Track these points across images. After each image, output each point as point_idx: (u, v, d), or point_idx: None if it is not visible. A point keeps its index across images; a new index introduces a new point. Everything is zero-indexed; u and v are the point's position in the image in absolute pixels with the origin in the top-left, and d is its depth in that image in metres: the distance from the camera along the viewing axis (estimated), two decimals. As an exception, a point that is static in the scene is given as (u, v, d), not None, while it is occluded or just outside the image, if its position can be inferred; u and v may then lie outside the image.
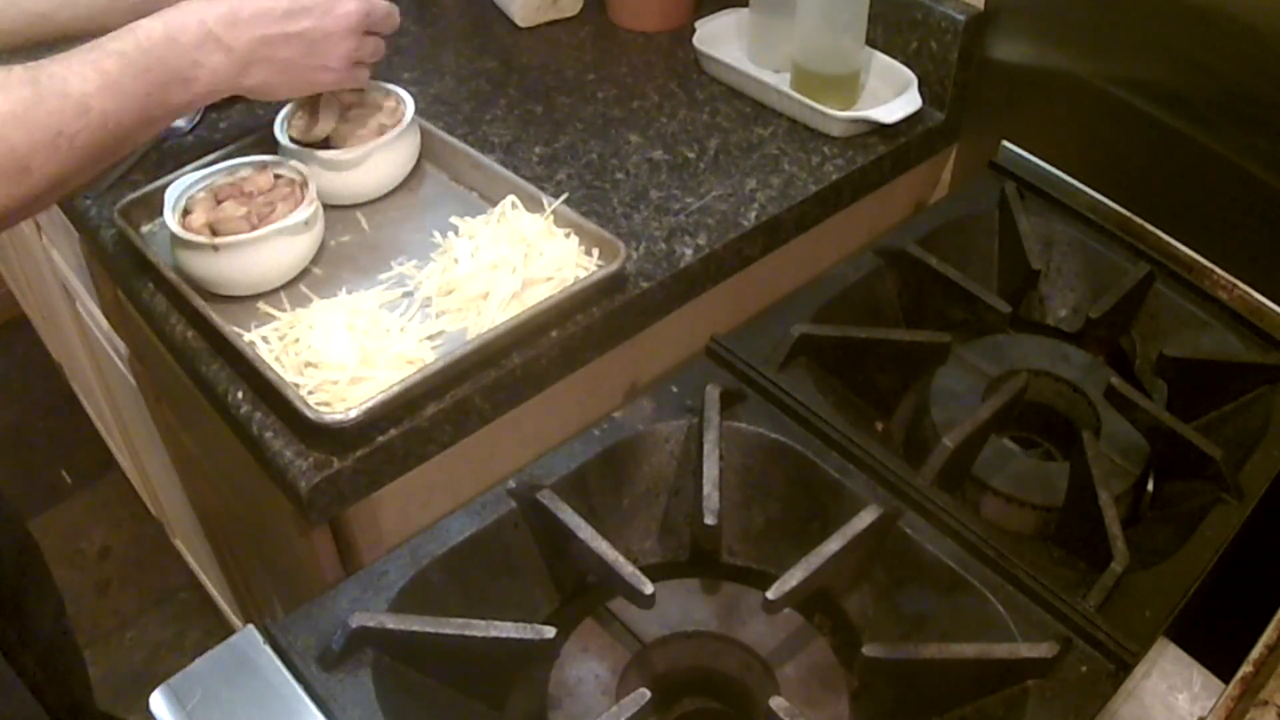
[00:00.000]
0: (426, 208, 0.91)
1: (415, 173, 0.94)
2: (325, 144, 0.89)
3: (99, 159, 0.69)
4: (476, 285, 0.80)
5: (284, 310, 0.81)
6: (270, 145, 0.90)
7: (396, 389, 0.72)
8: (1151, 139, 0.87)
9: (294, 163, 0.86)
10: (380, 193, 0.92)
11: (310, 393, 0.74)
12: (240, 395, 0.76)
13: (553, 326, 0.80)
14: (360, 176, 0.89)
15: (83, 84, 0.66)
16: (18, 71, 0.64)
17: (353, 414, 0.71)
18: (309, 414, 0.70)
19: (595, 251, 0.83)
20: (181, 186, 0.84)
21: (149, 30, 0.71)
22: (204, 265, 0.80)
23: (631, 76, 1.07)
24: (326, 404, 0.73)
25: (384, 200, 0.92)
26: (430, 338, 0.79)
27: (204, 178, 0.85)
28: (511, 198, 0.87)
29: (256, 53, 0.76)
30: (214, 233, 0.80)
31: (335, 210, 0.90)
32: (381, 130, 0.89)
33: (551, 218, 0.85)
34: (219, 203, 0.83)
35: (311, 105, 0.91)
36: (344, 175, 0.89)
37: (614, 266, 0.80)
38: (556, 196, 0.86)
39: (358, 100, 0.91)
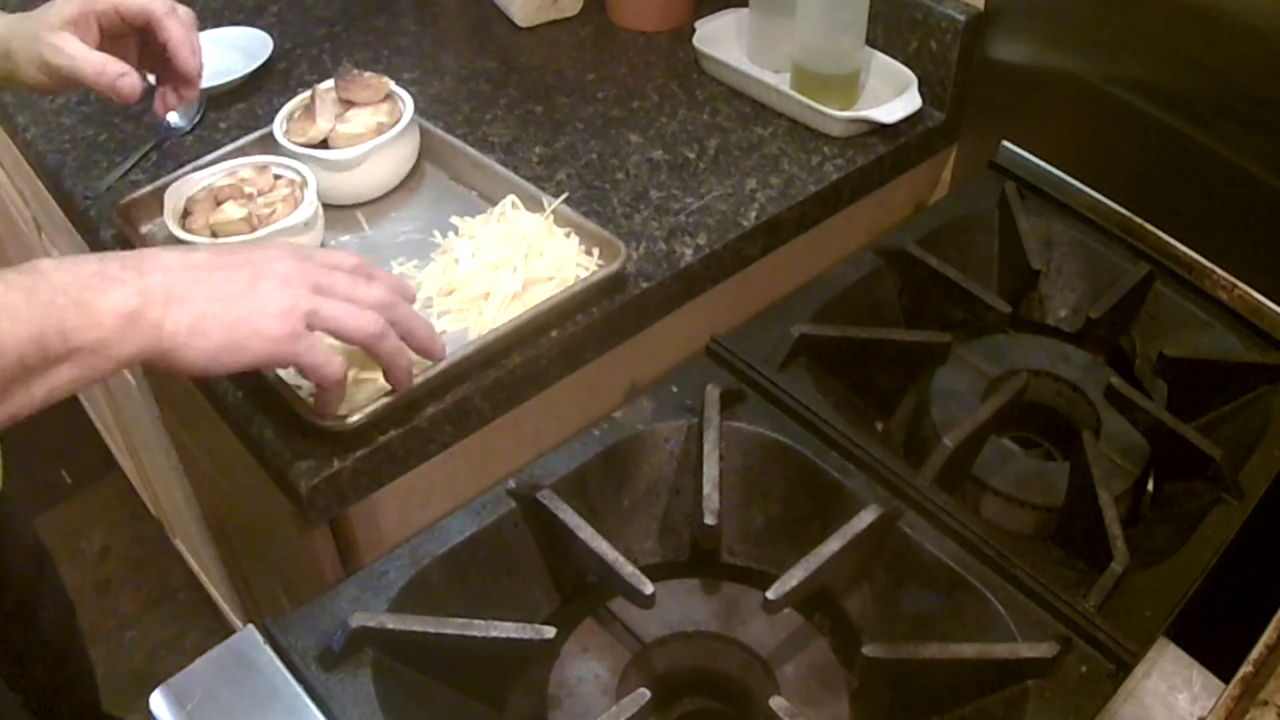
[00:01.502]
0: (426, 208, 0.91)
1: (415, 173, 0.94)
2: (325, 144, 0.89)
3: None
4: (477, 285, 0.80)
5: (284, 310, 0.81)
6: (270, 145, 0.90)
7: (396, 389, 0.72)
8: (1151, 139, 0.87)
9: (294, 163, 0.86)
10: (380, 193, 0.92)
11: (310, 394, 0.74)
12: (240, 395, 0.76)
13: (553, 326, 0.80)
14: (360, 176, 0.89)
15: None
16: None
17: (353, 415, 0.71)
18: (309, 415, 0.70)
19: (595, 251, 0.83)
20: (181, 187, 0.84)
21: (38, 261, 0.59)
22: (204, 265, 0.80)
23: (631, 76, 1.07)
24: (327, 404, 0.73)
25: (384, 200, 0.92)
26: (430, 338, 0.79)
27: (204, 178, 0.85)
28: (511, 198, 0.87)
29: (173, 287, 0.60)
30: (214, 234, 0.80)
31: (335, 210, 0.90)
32: (381, 130, 0.89)
33: (551, 218, 0.85)
34: (219, 203, 0.83)
35: (310, 105, 0.91)
36: (344, 175, 0.89)
37: (614, 266, 0.80)
38: (556, 196, 0.86)
39: (358, 100, 0.91)
